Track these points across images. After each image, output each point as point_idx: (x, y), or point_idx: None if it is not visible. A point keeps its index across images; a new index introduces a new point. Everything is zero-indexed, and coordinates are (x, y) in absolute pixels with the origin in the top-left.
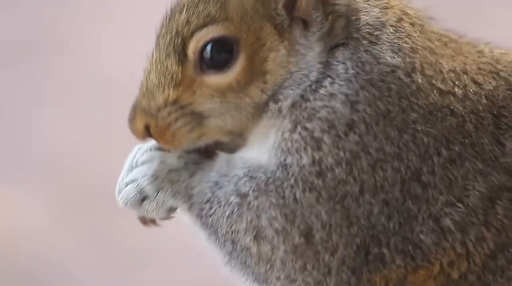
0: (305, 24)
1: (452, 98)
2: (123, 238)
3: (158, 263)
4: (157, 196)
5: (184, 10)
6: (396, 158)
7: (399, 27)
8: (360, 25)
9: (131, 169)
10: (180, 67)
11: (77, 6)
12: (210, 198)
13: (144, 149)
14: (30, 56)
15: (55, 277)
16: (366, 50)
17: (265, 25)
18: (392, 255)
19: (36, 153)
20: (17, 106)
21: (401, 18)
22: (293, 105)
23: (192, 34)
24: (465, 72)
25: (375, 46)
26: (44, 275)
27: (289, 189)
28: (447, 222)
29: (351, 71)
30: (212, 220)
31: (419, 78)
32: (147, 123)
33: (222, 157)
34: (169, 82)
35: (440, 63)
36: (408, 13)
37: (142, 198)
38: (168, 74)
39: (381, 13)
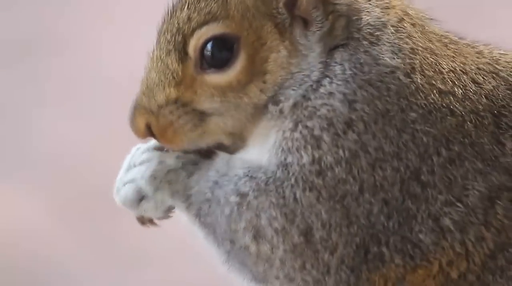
0: (306, 24)
1: (451, 98)
2: (123, 238)
3: (158, 263)
4: (156, 196)
5: (186, 7)
6: (395, 157)
7: (400, 27)
8: (361, 25)
9: (129, 168)
10: (180, 65)
11: (77, 6)
12: (210, 197)
13: (142, 149)
14: (30, 56)
15: (55, 277)
16: (365, 51)
17: (266, 23)
18: (391, 254)
19: (36, 153)
20: (17, 106)
21: (402, 18)
22: (295, 105)
23: (193, 31)
24: (464, 72)
25: (375, 47)
26: (44, 275)
27: (289, 188)
28: (447, 221)
29: (348, 72)
30: (210, 219)
31: (418, 79)
32: (148, 122)
33: (221, 156)
34: (169, 81)
35: (440, 63)
36: (409, 14)
37: (141, 198)
38: (169, 72)
39: (382, 13)
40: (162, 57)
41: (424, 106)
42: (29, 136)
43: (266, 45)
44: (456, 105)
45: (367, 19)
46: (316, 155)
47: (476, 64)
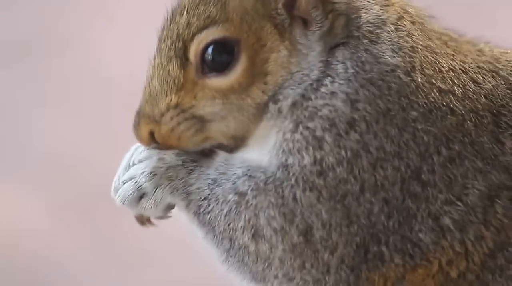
0: (305, 24)
1: (451, 97)
2: (123, 238)
3: (158, 263)
4: (155, 193)
5: (185, 12)
6: (396, 156)
7: (400, 25)
8: (361, 23)
9: (128, 168)
10: (182, 71)
11: (77, 6)
12: (208, 195)
13: (142, 147)
14: (30, 56)
15: (55, 277)
16: (366, 50)
17: (265, 25)
18: (391, 253)
19: (36, 153)
20: (17, 106)
21: (402, 16)
22: (294, 104)
23: (193, 36)
24: (464, 71)
25: (375, 45)
26: (44, 275)
27: (288, 188)
28: (447, 220)
29: (350, 70)
30: (209, 217)
31: (418, 77)
32: (152, 130)
33: (221, 155)
34: (171, 87)
35: (440, 62)
36: (409, 11)
37: (140, 196)
38: (170, 79)
39: (381, 11)
40: (163, 64)
41: (424, 105)
42: (29, 136)
43: (266, 46)
44: (456, 104)
45: (367, 17)
46: (318, 156)
47: (476, 63)
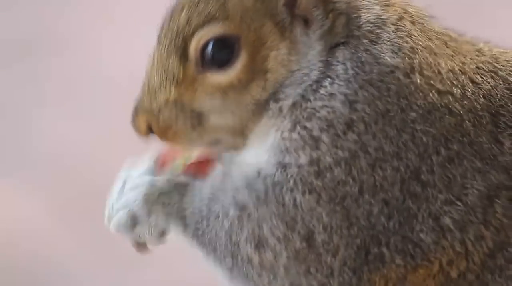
0: (306, 23)
1: (450, 97)
2: (123, 238)
3: (158, 263)
4: (150, 220)
5: (185, 9)
6: (395, 157)
7: (400, 25)
8: (361, 23)
9: (120, 195)
10: (181, 66)
11: (77, 6)
12: (206, 214)
13: (133, 175)
14: (30, 56)
15: (55, 277)
16: (366, 50)
17: (266, 23)
18: (391, 254)
19: (36, 153)
20: (17, 106)
21: (402, 16)
22: (293, 105)
23: (193, 33)
24: (463, 72)
25: (375, 46)
26: (44, 275)
27: (288, 194)
28: (447, 220)
29: (350, 71)
30: (209, 236)
31: (417, 79)
32: (149, 123)
33: (217, 170)
34: (170, 82)
35: (439, 63)
36: (409, 11)
37: (134, 224)
38: (170, 74)
39: (382, 11)
40: (163, 59)
41: (423, 106)
42: (29, 136)
43: (266, 44)
44: (455, 105)
45: (367, 17)
46: (314, 155)
47: (475, 63)
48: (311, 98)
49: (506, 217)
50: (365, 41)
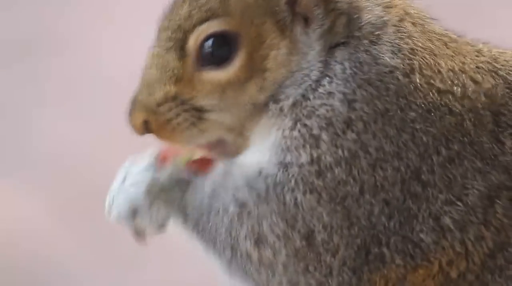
0: (306, 21)
1: (450, 97)
2: (123, 238)
3: (158, 263)
4: (151, 211)
5: (186, 4)
6: (395, 157)
7: (401, 27)
8: (362, 24)
9: (121, 187)
10: (180, 61)
11: (77, 6)
12: (207, 209)
13: (135, 167)
14: (30, 56)
15: (55, 277)
16: (366, 50)
17: (266, 21)
18: (392, 254)
19: (36, 153)
20: (17, 106)
21: (404, 18)
22: (294, 104)
23: (193, 28)
24: (463, 71)
25: (375, 46)
26: (44, 275)
27: (289, 193)
28: (447, 220)
29: (348, 71)
30: (209, 231)
31: (417, 78)
32: (146, 119)
33: (218, 167)
34: (169, 77)
35: (439, 63)
36: (410, 13)
37: (135, 215)
38: (169, 69)
39: (383, 12)
40: (162, 53)
41: (423, 105)
42: (29, 136)
43: (266, 42)
44: (455, 104)
45: (368, 18)
46: (315, 154)
47: (475, 63)
48: (311, 97)
49: (506, 217)
50: (365, 41)
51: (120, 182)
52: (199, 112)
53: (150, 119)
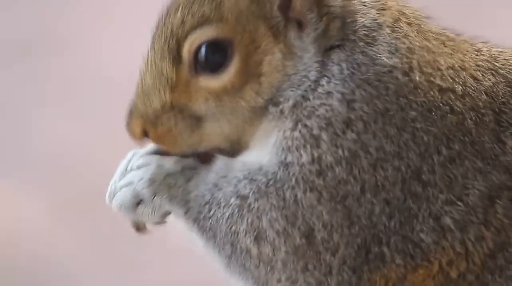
0: (300, 26)
1: (451, 95)
2: (123, 238)
3: (158, 263)
4: (154, 200)
5: (179, 10)
6: (396, 156)
7: (396, 27)
8: (357, 27)
9: (125, 173)
10: (175, 69)
11: (77, 6)
12: (209, 199)
13: (140, 153)
14: (30, 56)
15: (55, 277)
16: (362, 52)
17: (260, 26)
18: (392, 254)
19: (36, 153)
20: (17, 106)
21: (398, 18)
22: (294, 105)
23: (187, 35)
24: (463, 69)
25: (371, 47)
26: (44, 275)
27: (289, 190)
28: (447, 220)
29: (346, 71)
30: (210, 222)
31: (417, 76)
32: (144, 127)
33: (221, 159)
34: (164, 85)
35: (438, 61)
36: (405, 13)
37: (138, 202)
38: (164, 77)
39: (378, 15)
40: (156, 61)
41: (423, 104)
42: (29, 136)
43: (261, 48)
44: (456, 103)
45: (363, 21)
46: (316, 154)
47: (474, 61)
48: (310, 97)
49: (506, 217)
50: (361, 43)
51: (123, 169)
52: (197, 121)
53: (148, 129)
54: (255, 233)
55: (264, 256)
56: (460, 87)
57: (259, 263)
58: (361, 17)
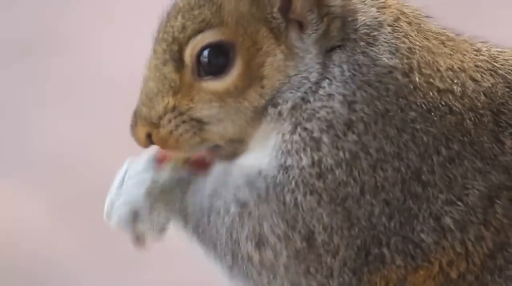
0: (301, 27)
1: (450, 96)
2: (123, 238)
3: (158, 263)
4: (151, 216)
5: (180, 15)
6: (396, 157)
7: (397, 26)
8: (358, 26)
9: (121, 186)
10: (177, 73)
11: (77, 6)
12: (208, 209)
13: (135, 165)
14: (30, 56)
15: (55, 277)
16: (363, 52)
17: (261, 29)
18: (392, 255)
19: (36, 153)
20: (17, 106)
21: (399, 17)
22: (293, 107)
23: (188, 40)
24: (463, 70)
25: (372, 48)
26: (44, 275)
27: (289, 194)
28: (447, 220)
29: (347, 73)
30: (210, 233)
31: (416, 77)
32: (149, 132)
33: (219, 166)
34: (167, 90)
35: (438, 61)
36: (405, 12)
37: (135, 219)
38: (167, 81)
39: (378, 13)
40: (159, 66)
41: (423, 105)
42: (29, 136)
43: (262, 50)
44: (455, 104)
45: (363, 20)
46: (316, 157)
47: (474, 62)
48: (311, 99)
49: (506, 217)
50: (361, 43)
51: (118, 185)
52: (199, 122)
53: (152, 133)
54: (256, 240)
55: (266, 262)
56: (459, 89)
57: (262, 270)
58: (361, 15)
